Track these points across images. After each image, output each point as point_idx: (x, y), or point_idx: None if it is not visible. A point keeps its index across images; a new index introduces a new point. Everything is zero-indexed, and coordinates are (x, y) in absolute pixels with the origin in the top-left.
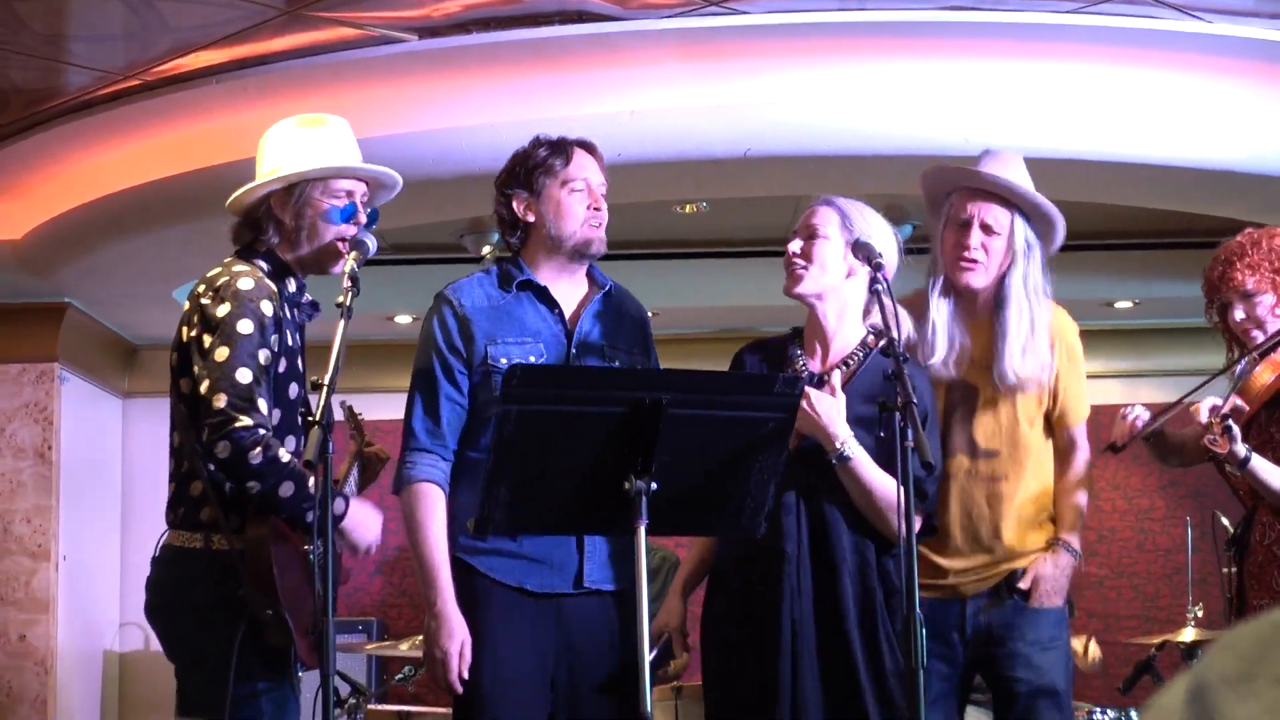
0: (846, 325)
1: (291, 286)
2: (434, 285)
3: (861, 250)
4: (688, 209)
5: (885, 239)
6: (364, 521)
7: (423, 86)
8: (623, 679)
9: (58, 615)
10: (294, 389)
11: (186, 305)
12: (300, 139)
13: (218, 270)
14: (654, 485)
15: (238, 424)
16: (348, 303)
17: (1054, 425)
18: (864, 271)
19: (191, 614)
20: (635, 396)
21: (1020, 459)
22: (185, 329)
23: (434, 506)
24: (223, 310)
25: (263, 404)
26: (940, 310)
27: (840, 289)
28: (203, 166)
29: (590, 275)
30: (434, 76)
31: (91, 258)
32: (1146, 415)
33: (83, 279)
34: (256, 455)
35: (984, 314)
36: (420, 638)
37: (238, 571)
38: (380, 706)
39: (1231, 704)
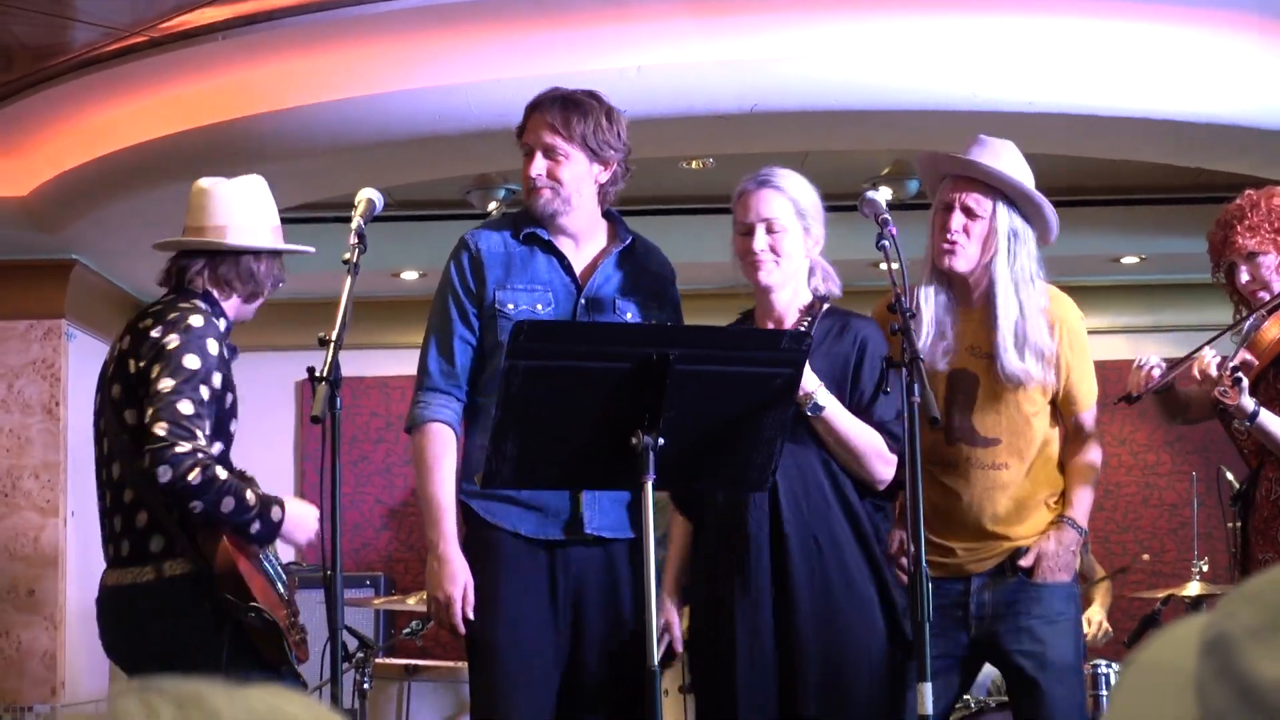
0: (797, 298)
1: (222, 325)
2: (440, 242)
3: (869, 206)
4: (694, 165)
5: (818, 211)
6: (300, 519)
7: (429, 41)
8: (629, 628)
9: (66, 570)
10: (233, 425)
11: (128, 339)
12: (251, 202)
13: (161, 306)
14: (661, 441)
15: (176, 449)
16: (354, 259)
17: (1060, 409)
18: (813, 249)
19: (162, 649)
20: (643, 352)
21: (1022, 448)
22: (133, 361)
23: (444, 448)
24: (172, 343)
25: (200, 434)
26: (929, 298)
27: (799, 272)
28: (210, 123)
29: (613, 229)
30: (440, 31)
31: (98, 214)
32: (1163, 367)
33: (90, 236)
34: (195, 476)
35: (980, 303)
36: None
37: (209, 586)
38: (388, 660)
39: (1258, 657)
